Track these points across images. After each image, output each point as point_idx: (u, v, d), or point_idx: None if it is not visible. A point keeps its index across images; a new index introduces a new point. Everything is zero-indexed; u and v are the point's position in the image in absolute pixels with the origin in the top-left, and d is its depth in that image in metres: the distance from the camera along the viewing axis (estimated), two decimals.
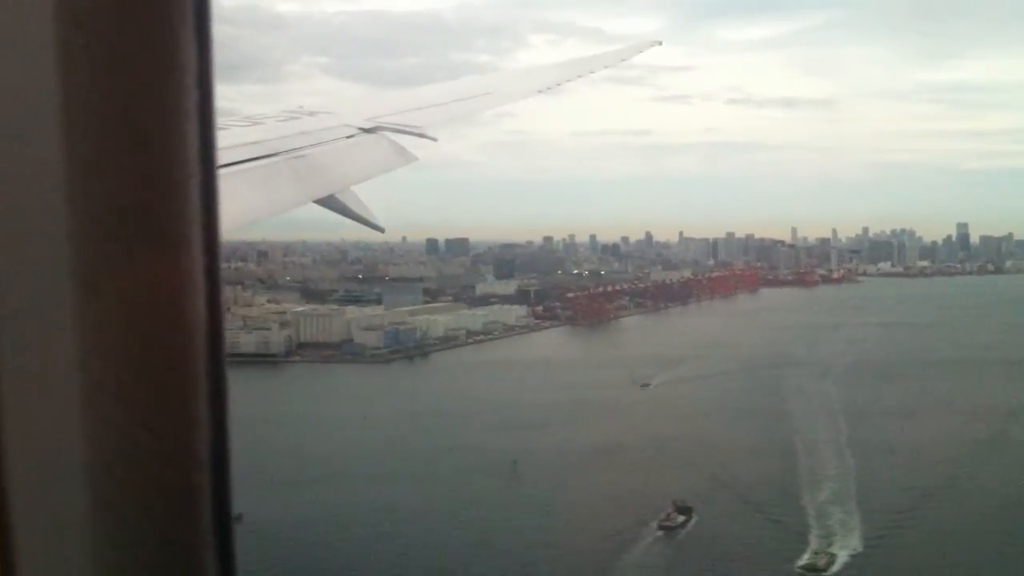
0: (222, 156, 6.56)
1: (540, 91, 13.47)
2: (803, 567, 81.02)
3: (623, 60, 16.45)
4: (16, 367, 1.41)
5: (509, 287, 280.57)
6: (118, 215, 1.45)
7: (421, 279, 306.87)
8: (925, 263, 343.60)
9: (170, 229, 1.48)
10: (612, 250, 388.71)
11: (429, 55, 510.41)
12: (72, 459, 1.45)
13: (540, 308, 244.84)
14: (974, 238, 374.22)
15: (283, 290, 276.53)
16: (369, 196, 9.36)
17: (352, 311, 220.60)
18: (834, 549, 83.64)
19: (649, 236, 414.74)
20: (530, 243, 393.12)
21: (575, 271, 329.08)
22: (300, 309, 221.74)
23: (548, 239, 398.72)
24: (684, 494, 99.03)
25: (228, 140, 7.53)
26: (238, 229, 7.00)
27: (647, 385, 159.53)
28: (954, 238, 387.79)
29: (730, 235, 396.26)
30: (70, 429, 1.45)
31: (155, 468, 1.51)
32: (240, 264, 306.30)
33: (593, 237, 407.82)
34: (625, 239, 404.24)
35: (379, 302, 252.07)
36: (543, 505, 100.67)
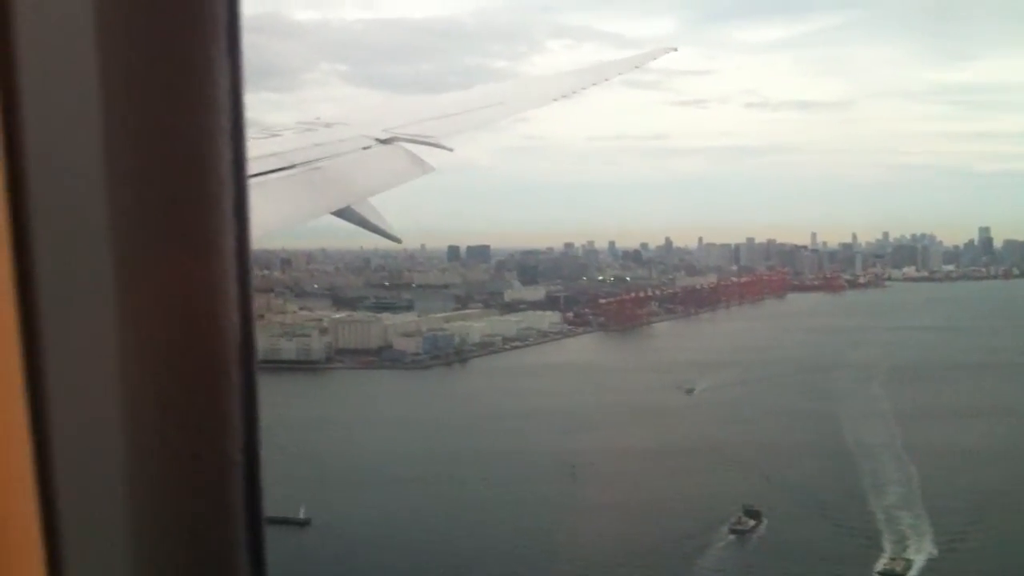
0: None
1: (555, 99, 13.49)
2: (881, 572, 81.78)
3: (637, 67, 16.33)
4: (59, 370, 1.45)
5: (537, 293, 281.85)
6: (155, 224, 1.49)
7: (447, 286, 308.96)
8: (950, 268, 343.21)
9: (205, 238, 1.53)
10: (633, 256, 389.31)
11: (445, 61, 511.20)
12: (111, 460, 1.49)
13: (572, 314, 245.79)
14: (997, 242, 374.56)
15: (313, 297, 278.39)
16: (385, 204, 9.28)
17: (388, 318, 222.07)
18: (909, 554, 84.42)
19: (669, 242, 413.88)
20: (550, 249, 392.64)
21: (600, 277, 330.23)
22: (338, 316, 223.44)
23: (569, 245, 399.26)
24: (745, 499, 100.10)
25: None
26: (257, 240, 6.98)
27: (691, 390, 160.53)
28: (976, 242, 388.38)
29: (750, 240, 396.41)
30: (110, 432, 1.48)
31: (189, 469, 1.55)
32: (266, 272, 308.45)
33: (612, 243, 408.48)
34: (644, 245, 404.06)
35: (411, 308, 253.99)
36: (608, 509, 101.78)
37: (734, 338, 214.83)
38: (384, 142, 9.38)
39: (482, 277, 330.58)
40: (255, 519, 1.67)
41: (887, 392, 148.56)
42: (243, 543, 1.65)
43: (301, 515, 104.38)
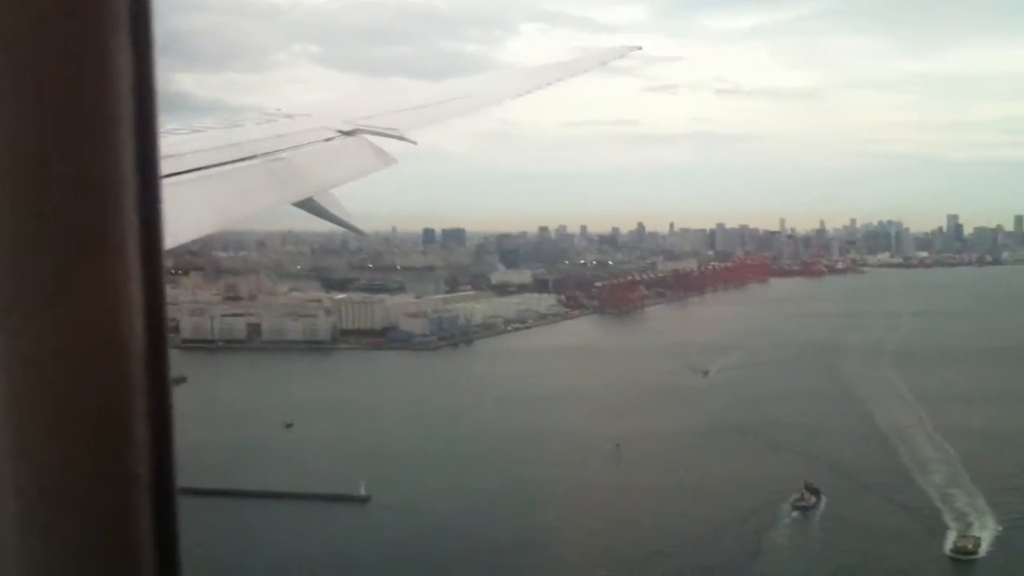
0: (200, 159, 6.88)
1: (519, 95, 13.69)
2: (954, 550, 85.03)
3: (603, 63, 16.49)
4: None
5: (523, 276, 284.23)
6: (47, 229, 1.41)
7: (432, 268, 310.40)
8: (923, 254, 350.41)
9: (104, 241, 1.45)
10: (609, 240, 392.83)
11: (419, 44, 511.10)
12: (2, 482, 1.41)
13: (565, 297, 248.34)
14: (967, 230, 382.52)
15: (299, 279, 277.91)
16: (356, 187, 9.31)
17: (386, 299, 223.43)
18: (975, 531, 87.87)
19: (641, 227, 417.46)
20: (524, 233, 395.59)
21: (581, 261, 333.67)
22: (340, 297, 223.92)
23: (544, 229, 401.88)
24: (792, 477, 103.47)
25: (206, 143, 7.62)
26: (219, 229, 6.98)
27: (707, 372, 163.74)
28: (945, 229, 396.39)
29: (720, 225, 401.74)
30: (2, 446, 1.40)
31: (93, 490, 1.46)
32: (242, 254, 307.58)
33: (584, 228, 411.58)
34: (616, 229, 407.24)
35: (403, 290, 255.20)
36: (661, 489, 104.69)
37: (730, 322, 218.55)
38: (347, 134, 9.46)
39: (463, 260, 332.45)
40: (167, 540, 1.56)
41: (900, 376, 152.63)
42: (153, 566, 1.54)
43: (361, 492, 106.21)
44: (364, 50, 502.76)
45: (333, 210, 9.32)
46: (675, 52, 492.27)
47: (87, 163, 1.43)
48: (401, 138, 9.83)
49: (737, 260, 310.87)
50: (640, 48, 18.98)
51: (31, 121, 1.39)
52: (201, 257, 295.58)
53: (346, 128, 9.54)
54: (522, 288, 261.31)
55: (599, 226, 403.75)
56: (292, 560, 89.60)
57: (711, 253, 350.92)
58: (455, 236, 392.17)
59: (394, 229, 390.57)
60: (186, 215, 5.86)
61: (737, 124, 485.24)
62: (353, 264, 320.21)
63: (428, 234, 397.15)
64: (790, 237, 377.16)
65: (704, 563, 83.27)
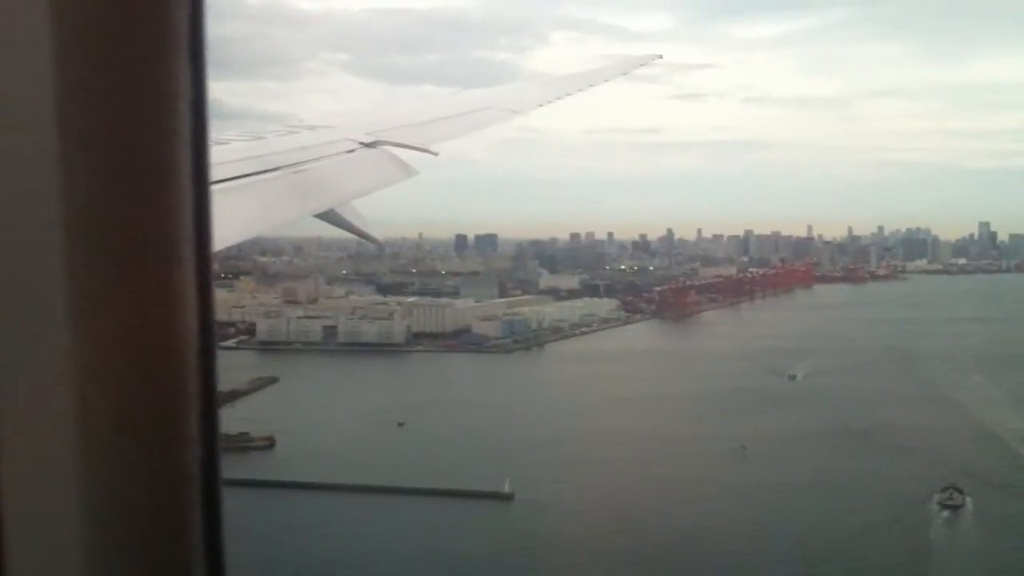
0: (223, 170, 7.02)
1: (541, 105, 13.88)
2: None
3: (624, 73, 16.68)
4: (11, 389, 1.43)
5: (571, 281, 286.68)
6: (112, 238, 1.48)
7: (477, 273, 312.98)
8: (961, 261, 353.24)
9: (163, 251, 1.51)
10: (641, 246, 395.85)
11: (448, 52, 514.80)
12: (66, 478, 1.47)
13: (621, 302, 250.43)
14: (1000, 237, 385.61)
15: (348, 283, 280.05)
16: (379, 194, 9.41)
17: (460, 303, 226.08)
18: None
19: (671, 233, 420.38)
20: (555, 239, 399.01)
21: (622, 267, 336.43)
22: (410, 300, 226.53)
23: (575, 236, 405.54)
24: (924, 479, 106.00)
25: (229, 155, 7.77)
26: (242, 240, 7.15)
27: (794, 377, 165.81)
28: (976, 236, 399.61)
29: (749, 232, 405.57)
30: (64, 449, 1.46)
31: (147, 485, 1.53)
32: (282, 259, 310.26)
33: (611, 234, 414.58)
34: (644, 236, 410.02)
35: (456, 294, 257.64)
36: (798, 489, 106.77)
37: (792, 327, 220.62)
38: (368, 146, 9.54)
39: (503, 265, 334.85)
40: (214, 532, 1.62)
41: (991, 381, 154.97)
42: (201, 559, 1.60)
43: (506, 489, 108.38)
44: (393, 58, 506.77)
45: (352, 220, 9.42)
46: (703, 60, 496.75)
47: (152, 177, 1.49)
48: (423, 150, 9.87)
49: (780, 266, 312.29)
50: (661, 57, 18.96)
51: (95, 132, 1.44)
52: (245, 261, 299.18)
53: (367, 140, 9.62)
54: (572, 294, 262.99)
55: (625, 232, 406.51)
56: (454, 557, 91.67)
57: (746, 259, 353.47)
58: (488, 242, 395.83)
59: (420, 235, 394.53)
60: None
61: (762, 132, 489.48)
62: (395, 269, 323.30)
63: (460, 240, 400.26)
64: (827, 244, 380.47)
65: (882, 561, 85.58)
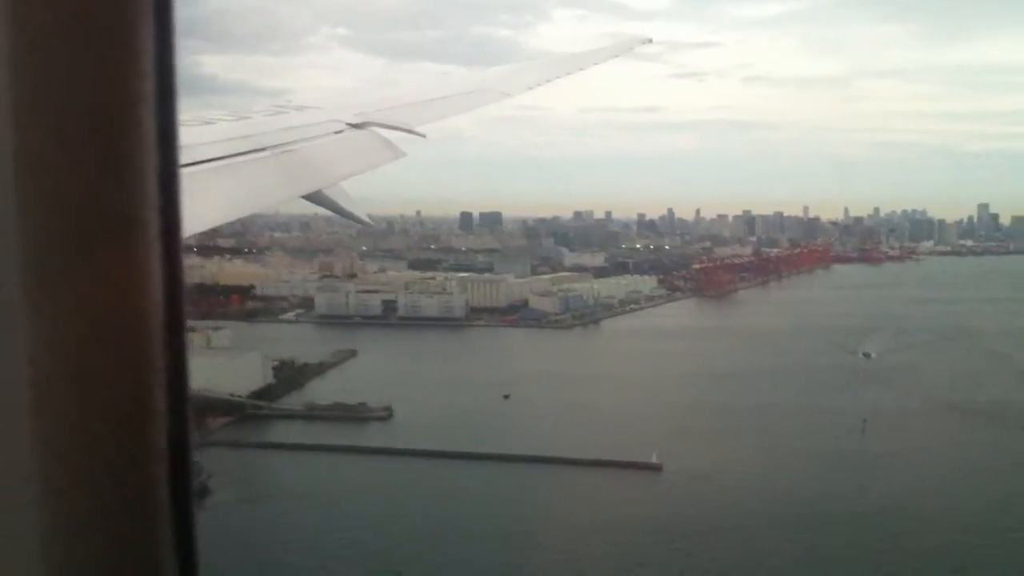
0: (209, 150, 6.98)
1: (530, 87, 13.88)
2: None
3: (616, 56, 16.54)
4: None
5: (596, 259, 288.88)
6: (70, 205, 1.43)
7: (497, 250, 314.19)
8: (968, 243, 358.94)
9: (125, 218, 1.47)
10: (647, 226, 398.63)
11: (450, 29, 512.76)
12: (23, 452, 1.44)
13: (657, 280, 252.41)
14: (1002, 219, 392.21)
15: (376, 259, 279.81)
16: (372, 174, 9.33)
17: (511, 279, 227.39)
18: None
19: (671, 213, 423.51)
20: (557, 218, 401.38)
21: (637, 246, 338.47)
22: (465, 275, 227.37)
23: (579, 214, 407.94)
24: None
25: (215, 135, 7.74)
26: (227, 220, 7.11)
27: (868, 355, 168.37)
28: (976, 219, 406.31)
29: (746, 212, 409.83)
30: (19, 423, 1.43)
31: (110, 459, 1.50)
32: (286, 234, 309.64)
33: (609, 213, 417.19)
34: (642, 215, 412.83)
35: (490, 270, 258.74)
36: (950, 463, 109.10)
37: (836, 305, 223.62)
38: (356, 127, 9.51)
39: (519, 243, 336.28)
40: (183, 510, 1.59)
41: None
42: (169, 536, 1.58)
43: (654, 460, 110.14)
44: (394, 34, 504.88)
45: (340, 201, 9.42)
46: (704, 39, 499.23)
47: (112, 141, 1.45)
48: (410, 131, 9.87)
49: (802, 246, 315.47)
50: (651, 40, 18.85)
51: (53, 103, 1.40)
52: (261, 237, 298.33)
53: (356, 121, 9.62)
54: (601, 272, 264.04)
55: (623, 211, 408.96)
56: (623, 527, 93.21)
57: (753, 239, 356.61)
58: (492, 219, 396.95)
59: (418, 213, 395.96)
60: (196, 206, 5.96)
61: (761, 112, 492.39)
62: (418, 245, 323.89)
63: (465, 217, 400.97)
64: (833, 224, 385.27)
65: None
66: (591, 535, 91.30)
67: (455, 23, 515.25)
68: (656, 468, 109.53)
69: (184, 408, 1.56)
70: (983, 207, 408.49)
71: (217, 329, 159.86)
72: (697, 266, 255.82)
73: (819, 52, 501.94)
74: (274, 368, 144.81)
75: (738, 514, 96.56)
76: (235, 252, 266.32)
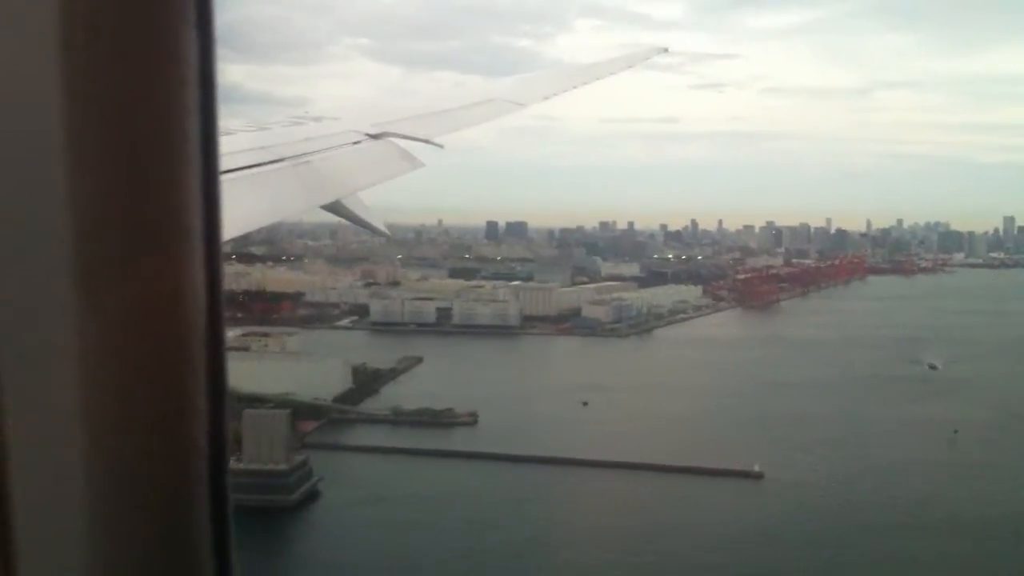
0: (228, 161, 6.98)
1: (546, 98, 13.96)
2: None
3: (630, 66, 16.58)
4: (18, 367, 1.43)
5: (631, 269, 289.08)
6: (117, 213, 1.46)
7: (533, 259, 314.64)
8: (998, 255, 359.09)
9: (170, 226, 1.50)
10: (674, 236, 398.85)
11: (470, 38, 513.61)
12: (72, 455, 1.48)
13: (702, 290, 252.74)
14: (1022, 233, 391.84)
15: (417, 267, 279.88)
16: (393, 183, 9.42)
17: (563, 288, 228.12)
18: None
19: (694, 224, 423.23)
20: (581, 228, 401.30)
21: (669, 256, 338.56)
22: (516, 284, 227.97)
23: (604, 224, 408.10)
24: None
25: (234, 145, 7.78)
26: (248, 231, 7.17)
27: (935, 366, 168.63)
28: (1001, 231, 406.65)
29: (769, 223, 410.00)
30: (70, 427, 1.47)
31: (154, 461, 1.55)
32: (315, 242, 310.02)
33: (631, 224, 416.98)
34: (663, 226, 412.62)
35: (530, 279, 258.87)
36: None
37: (886, 316, 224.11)
38: (374, 137, 9.55)
39: (550, 252, 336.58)
40: (221, 508, 1.64)
41: None
42: (208, 533, 1.63)
43: (756, 469, 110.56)
44: (415, 44, 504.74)
45: (360, 213, 9.46)
46: (723, 50, 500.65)
47: (158, 150, 1.48)
48: (428, 142, 9.85)
49: (840, 257, 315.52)
50: (666, 50, 18.85)
51: (101, 110, 1.43)
52: (294, 245, 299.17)
53: (373, 131, 9.64)
54: (642, 282, 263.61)
55: (644, 222, 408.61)
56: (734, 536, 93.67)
57: (781, 250, 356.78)
58: (517, 229, 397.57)
59: (440, 222, 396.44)
60: None
61: (778, 122, 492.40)
62: (450, 255, 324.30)
63: (491, 227, 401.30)
64: (862, 236, 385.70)
65: None
66: (714, 542, 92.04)
67: (476, 33, 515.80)
68: (757, 476, 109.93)
69: (223, 409, 1.61)
70: (1008, 219, 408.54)
71: (290, 335, 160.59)
72: (741, 276, 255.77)
73: (835, 63, 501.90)
74: None
75: (846, 522, 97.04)
76: (274, 259, 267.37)
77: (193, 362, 1.55)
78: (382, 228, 10.54)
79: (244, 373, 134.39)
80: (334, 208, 8.99)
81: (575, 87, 14.47)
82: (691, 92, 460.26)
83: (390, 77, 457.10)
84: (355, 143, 9.24)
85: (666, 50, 18.62)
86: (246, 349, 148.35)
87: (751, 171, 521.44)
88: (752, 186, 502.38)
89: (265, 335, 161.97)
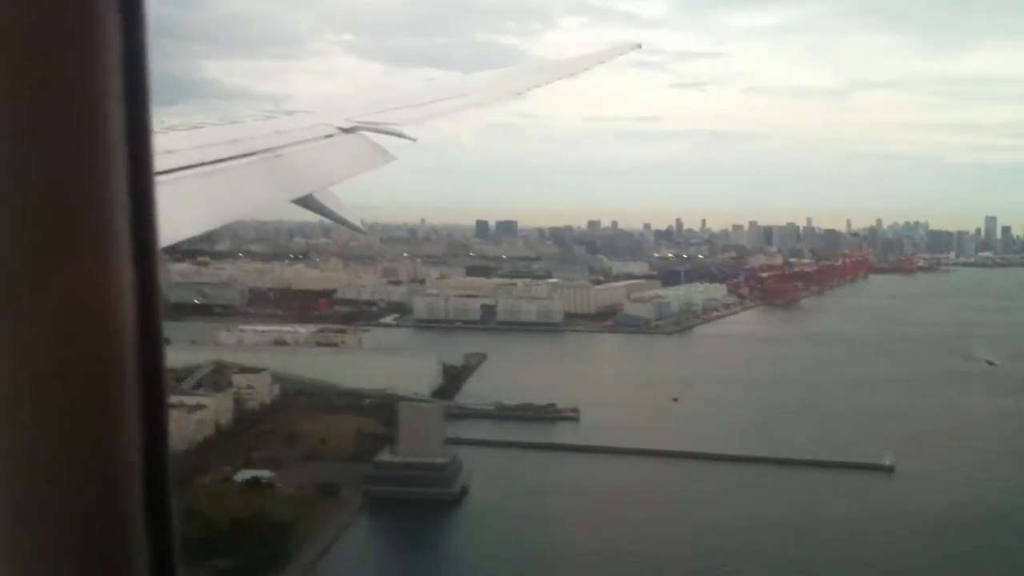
0: (197, 155, 6.89)
1: (518, 93, 13.99)
2: None
3: (602, 62, 16.29)
4: None
5: (641, 267, 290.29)
6: (34, 210, 1.37)
7: (539, 258, 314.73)
8: (987, 254, 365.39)
9: (93, 225, 1.40)
10: (664, 235, 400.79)
11: (455, 35, 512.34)
12: None
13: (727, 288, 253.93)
14: (1015, 231, 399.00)
15: (428, 265, 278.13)
16: (373, 180, 9.28)
17: (605, 286, 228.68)
18: None
19: (679, 223, 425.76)
20: (569, 227, 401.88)
21: (669, 255, 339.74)
22: (554, 281, 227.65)
23: (593, 223, 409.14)
24: None
25: (204, 139, 7.70)
26: (218, 225, 6.97)
27: (992, 363, 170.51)
28: (982, 231, 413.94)
29: (752, 223, 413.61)
30: None
31: (79, 474, 1.43)
32: (311, 240, 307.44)
33: (615, 223, 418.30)
34: (647, 225, 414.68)
35: (549, 277, 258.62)
36: None
37: (913, 313, 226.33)
38: (346, 131, 9.43)
39: (554, 251, 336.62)
40: (161, 527, 1.49)
41: None
42: (145, 556, 1.48)
43: (887, 462, 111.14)
44: (399, 40, 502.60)
45: (333, 207, 9.43)
46: (707, 48, 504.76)
47: (77, 142, 1.38)
48: (400, 135, 9.81)
49: (851, 256, 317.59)
50: (640, 46, 18.85)
51: (17, 108, 1.34)
52: (295, 242, 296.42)
53: (347, 125, 9.56)
54: (662, 280, 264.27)
55: (627, 220, 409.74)
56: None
57: (773, 250, 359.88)
58: (507, 228, 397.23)
59: (423, 221, 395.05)
60: (186, 211, 5.97)
61: (760, 122, 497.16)
62: (454, 252, 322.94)
63: (481, 226, 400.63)
64: (854, 235, 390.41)
65: None
66: (876, 536, 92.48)
67: (461, 30, 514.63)
68: (889, 470, 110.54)
69: (161, 422, 1.49)
70: (991, 219, 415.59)
71: (365, 331, 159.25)
72: (764, 275, 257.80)
73: (816, 62, 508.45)
74: None
75: (992, 511, 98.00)
76: (281, 257, 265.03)
77: (122, 371, 1.43)
78: (357, 224, 10.51)
79: (335, 368, 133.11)
80: (308, 203, 8.81)
81: (550, 82, 14.37)
82: (673, 90, 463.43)
83: (372, 73, 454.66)
84: (327, 137, 9.14)
85: (639, 46, 18.54)
86: (334, 345, 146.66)
87: (731, 170, 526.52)
88: (733, 185, 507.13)
89: (341, 331, 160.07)
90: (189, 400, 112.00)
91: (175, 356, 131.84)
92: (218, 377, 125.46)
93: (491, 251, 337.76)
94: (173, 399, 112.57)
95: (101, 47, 1.37)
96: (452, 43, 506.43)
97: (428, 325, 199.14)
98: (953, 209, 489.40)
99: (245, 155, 7.50)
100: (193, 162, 6.64)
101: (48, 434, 1.39)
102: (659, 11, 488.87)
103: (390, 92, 14.53)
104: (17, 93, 1.32)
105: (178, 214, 5.67)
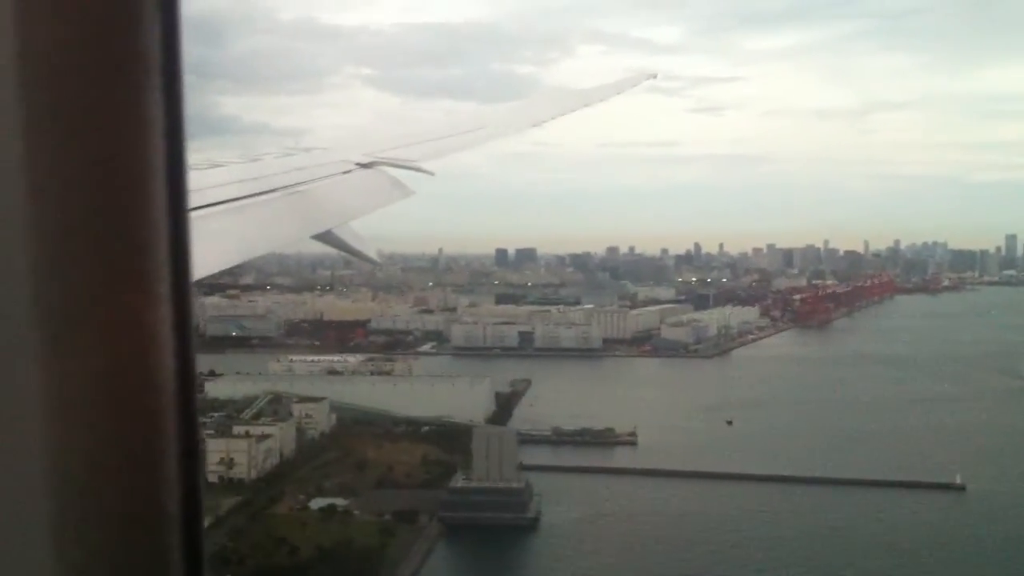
0: (220, 192, 7.01)
1: (534, 125, 14.03)
2: None
3: (618, 93, 16.42)
4: None
5: (667, 292, 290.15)
6: (84, 267, 1.40)
7: (563, 284, 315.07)
8: (1011, 272, 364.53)
9: (136, 261, 1.44)
10: (686, 259, 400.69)
11: (473, 65, 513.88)
12: (34, 517, 1.41)
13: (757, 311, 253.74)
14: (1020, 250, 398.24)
15: (463, 293, 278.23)
16: (384, 212, 9.36)
17: (637, 311, 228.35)
18: None
19: (698, 247, 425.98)
20: (588, 253, 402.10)
21: (694, 279, 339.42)
22: (589, 307, 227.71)
23: (612, 250, 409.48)
24: None
25: (226, 176, 7.81)
26: (241, 261, 7.07)
27: None
28: (1003, 250, 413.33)
29: (770, 245, 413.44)
30: (32, 474, 1.40)
31: (122, 527, 1.47)
32: (333, 272, 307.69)
33: (632, 248, 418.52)
34: (665, 251, 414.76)
35: (578, 303, 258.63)
36: None
37: (947, 332, 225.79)
38: (365, 166, 9.52)
39: (577, 277, 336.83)
40: (192, 539, 1.53)
41: None
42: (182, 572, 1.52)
43: (957, 481, 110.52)
44: (417, 72, 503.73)
45: (351, 242, 9.48)
46: (724, 73, 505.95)
47: (118, 189, 1.42)
48: (418, 169, 9.88)
49: (878, 278, 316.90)
50: (655, 76, 18.85)
51: (63, 158, 1.37)
52: (318, 274, 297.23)
53: (364, 160, 9.63)
54: (683, 305, 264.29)
55: (644, 245, 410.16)
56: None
57: (794, 272, 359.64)
58: (527, 255, 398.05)
59: (440, 251, 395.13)
60: (210, 248, 6.10)
61: (778, 144, 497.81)
62: (480, 282, 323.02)
63: (501, 254, 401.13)
64: (876, 256, 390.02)
65: None
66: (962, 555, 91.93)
67: (479, 60, 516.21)
68: (960, 488, 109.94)
69: (197, 474, 1.53)
70: (1011, 238, 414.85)
71: (415, 359, 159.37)
72: (796, 297, 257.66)
73: (834, 84, 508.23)
74: None
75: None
76: (309, 288, 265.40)
77: (161, 405, 1.47)
78: (373, 256, 10.39)
79: (390, 396, 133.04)
80: (326, 238, 8.84)
81: (568, 112, 14.47)
82: (690, 115, 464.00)
83: (390, 105, 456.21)
84: (345, 172, 9.26)
85: (655, 76, 18.64)
86: (387, 374, 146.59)
87: (749, 193, 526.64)
88: (750, 208, 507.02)
89: (390, 360, 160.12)
90: (255, 430, 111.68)
91: (230, 387, 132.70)
92: (277, 407, 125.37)
93: (513, 279, 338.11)
94: (239, 429, 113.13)
95: (146, 111, 1.41)
96: (470, 73, 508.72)
97: (466, 352, 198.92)
98: (973, 228, 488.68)
99: (266, 192, 7.66)
100: (215, 200, 6.79)
101: (96, 460, 1.42)
102: (675, 36, 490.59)
103: (409, 126, 14.71)
104: (71, 163, 1.37)
105: (206, 249, 5.91)
